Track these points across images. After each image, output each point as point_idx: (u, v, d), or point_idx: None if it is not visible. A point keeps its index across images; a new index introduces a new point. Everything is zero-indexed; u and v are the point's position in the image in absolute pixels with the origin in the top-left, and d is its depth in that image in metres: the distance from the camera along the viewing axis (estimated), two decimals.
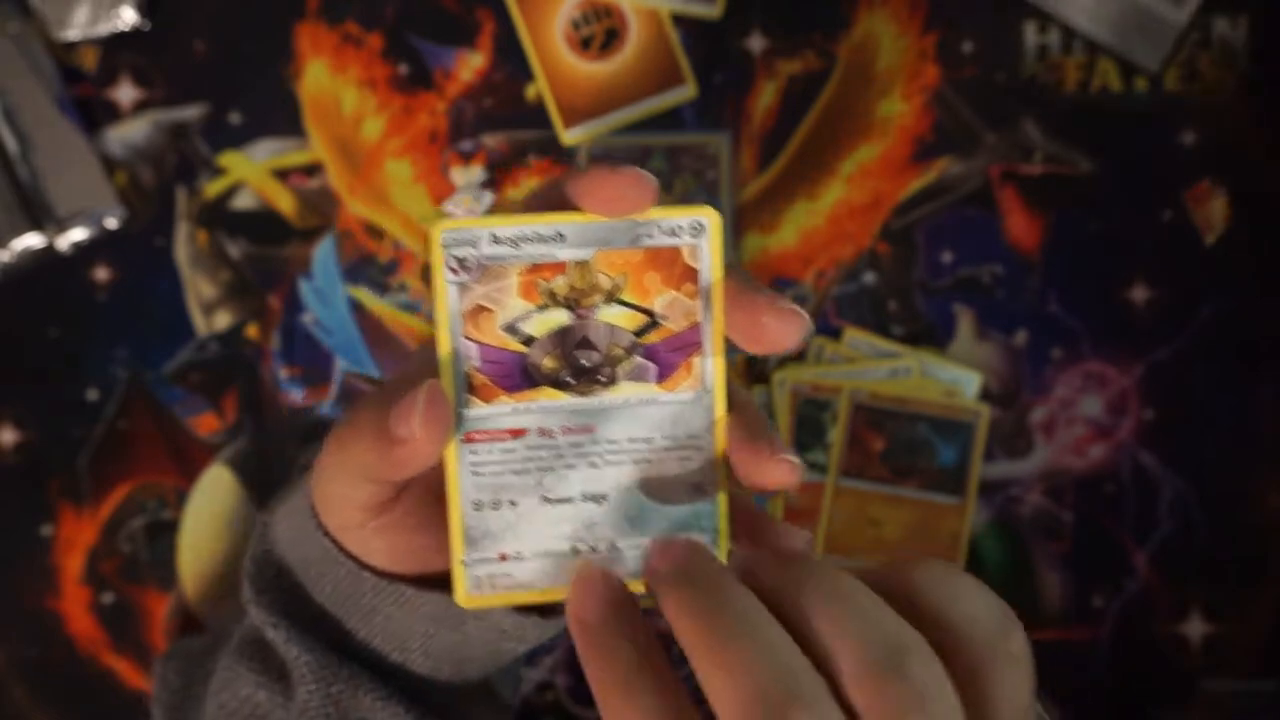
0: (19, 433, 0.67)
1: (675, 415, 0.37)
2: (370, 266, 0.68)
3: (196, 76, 0.68)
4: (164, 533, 0.67)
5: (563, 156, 0.68)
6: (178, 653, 0.52)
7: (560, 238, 0.36)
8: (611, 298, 0.36)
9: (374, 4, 0.68)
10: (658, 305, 0.36)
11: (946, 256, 0.68)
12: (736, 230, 0.67)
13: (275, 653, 0.45)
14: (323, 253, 0.68)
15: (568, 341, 0.36)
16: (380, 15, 0.68)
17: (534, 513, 0.36)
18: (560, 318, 0.36)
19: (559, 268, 0.36)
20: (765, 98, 0.68)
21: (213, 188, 0.68)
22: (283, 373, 0.67)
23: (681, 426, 0.37)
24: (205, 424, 0.67)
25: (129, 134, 0.68)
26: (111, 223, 0.66)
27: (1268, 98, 0.68)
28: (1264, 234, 0.68)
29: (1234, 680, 0.67)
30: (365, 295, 0.68)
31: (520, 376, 0.36)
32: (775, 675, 0.31)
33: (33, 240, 0.65)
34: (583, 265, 0.36)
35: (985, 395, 0.67)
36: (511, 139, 0.68)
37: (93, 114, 0.67)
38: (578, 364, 0.36)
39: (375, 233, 0.68)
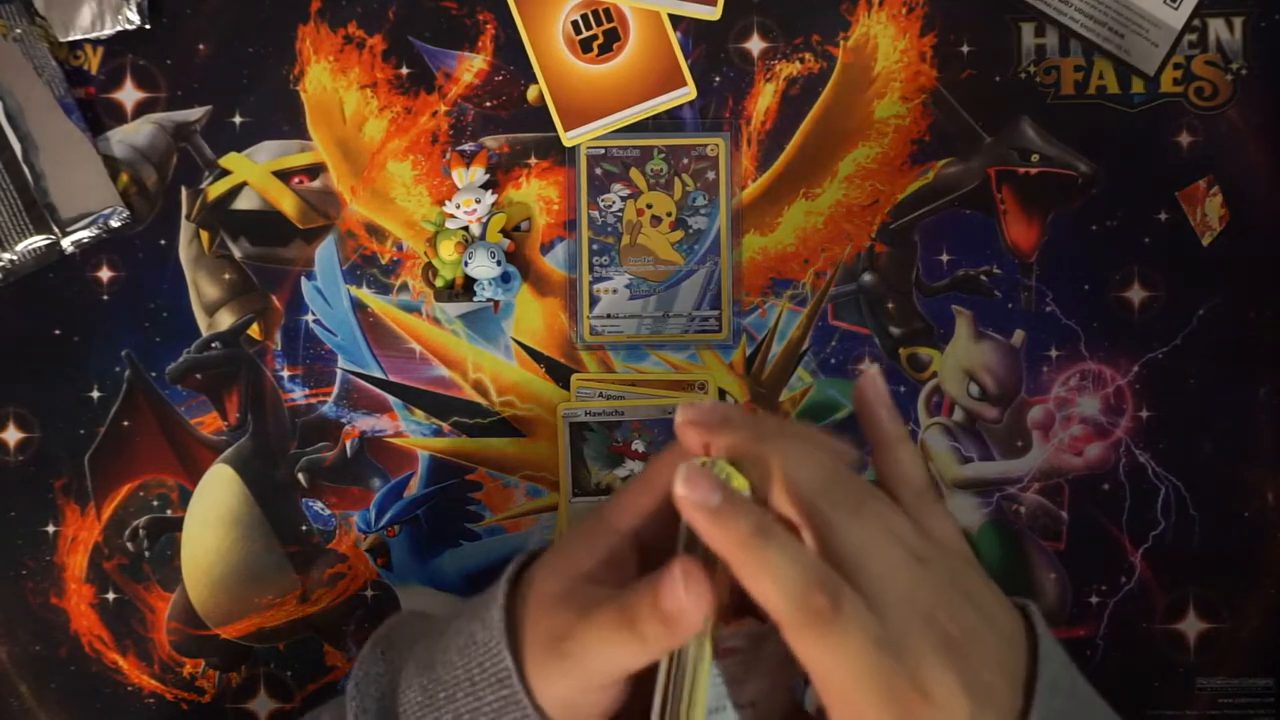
0: (23, 431, 0.67)
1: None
2: (372, 266, 0.68)
3: (199, 78, 0.68)
4: (167, 531, 0.67)
5: (563, 158, 0.68)
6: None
7: None
8: None
9: (376, 6, 0.68)
10: None
11: (944, 257, 0.68)
12: (736, 231, 0.68)
13: None
14: (325, 253, 0.68)
15: None
16: (382, 18, 0.68)
17: (729, 716, 0.44)
18: None
19: None
20: (764, 99, 0.68)
21: (215, 189, 0.68)
22: (285, 372, 0.68)
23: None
24: (208, 423, 0.68)
25: (132, 135, 0.68)
26: (115, 223, 0.67)
27: (1263, 99, 0.68)
28: (1260, 234, 0.68)
29: (1230, 678, 0.68)
30: (367, 295, 0.68)
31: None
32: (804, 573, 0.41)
33: (37, 240, 0.66)
34: None
35: (983, 395, 0.68)
36: (512, 140, 0.68)
37: (96, 115, 0.68)
38: None
39: (377, 233, 0.68)
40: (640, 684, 0.45)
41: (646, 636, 0.42)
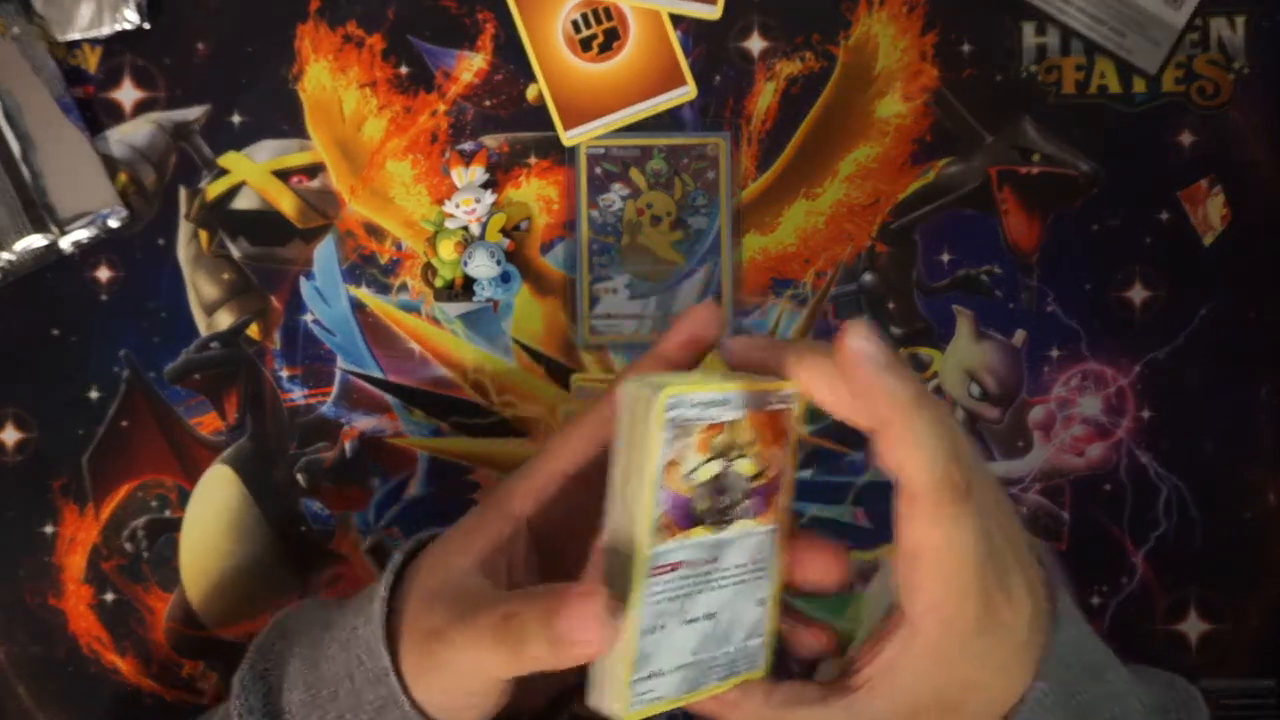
0: (21, 432, 0.67)
1: (759, 543, 0.43)
2: (371, 266, 0.68)
3: (198, 77, 0.68)
4: (165, 532, 0.67)
5: (563, 157, 0.68)
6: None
7: (727, 402, 0.41)
8: (744, 450, 0.42)
9: (375, 5, 0.68)
10: (767, 456, 0.43)
11: (945, 257, 0.68)
12: (736, 230, 0.68)
13: None
14: (324, 253, 0.68)
15: (715, 486, 0.42)
16: (381, 17, 0.68)
17: (675, 633, 0.42)
18: (715, 468, 0.41)
19: (720, 427, 0.41)
20: (765, 98, 0.68)
21: (214, 188, 0.68)
22: (284, 372, 0.68)
23: (762, 551, 0.44)
24: (207, 423, 0.67)
25: (131, 135, 0.68)
26: (113, 223, 0.67)
27: (1265, 98, 0.68)
28: (1261, 234, 0.68)
29: (1232, 679, 0.68)
30: (366, 295, 0.68)
31: (686, 517, 0.41)
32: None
33: (35, 240, 0.66)
34: (735, 424, 0.42)
35: (984, 395, 0.68)
36: (512, 140, 0.68)
37: (95, 115, 0.68)
38: (720, 505, 0.42)
39: (376, 233, 0.68)
40: (531, 683, 0.43)
41: (530, 657, 0.40)
